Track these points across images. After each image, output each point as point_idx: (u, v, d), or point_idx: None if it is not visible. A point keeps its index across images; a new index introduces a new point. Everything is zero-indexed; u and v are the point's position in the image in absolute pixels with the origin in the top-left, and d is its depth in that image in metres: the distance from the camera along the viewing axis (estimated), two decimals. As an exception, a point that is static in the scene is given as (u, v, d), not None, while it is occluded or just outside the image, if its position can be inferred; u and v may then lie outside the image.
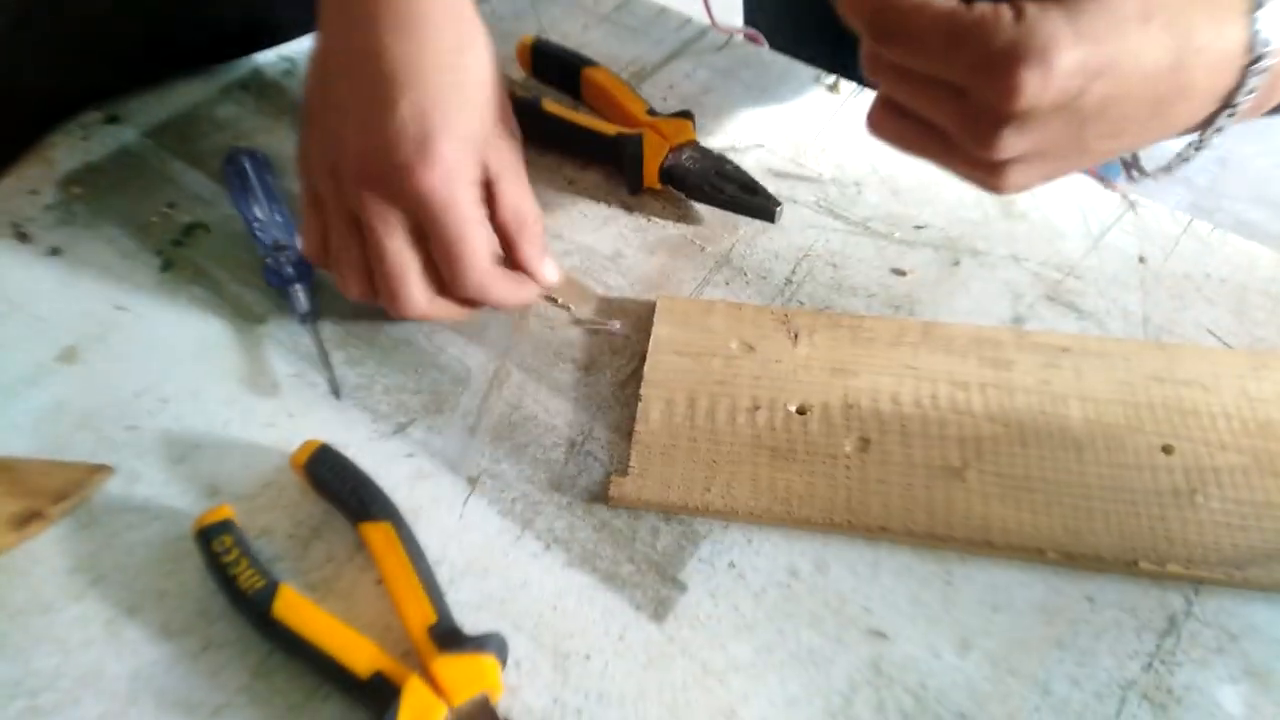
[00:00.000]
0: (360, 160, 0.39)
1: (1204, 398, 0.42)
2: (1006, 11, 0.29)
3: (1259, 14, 0.30)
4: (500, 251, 0.43)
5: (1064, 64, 0.28)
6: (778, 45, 0.61)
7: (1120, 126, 0.31)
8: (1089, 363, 0.43)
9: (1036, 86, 0.28)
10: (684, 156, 0.50)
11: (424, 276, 0.41)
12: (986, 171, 0.33)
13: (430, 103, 0.38)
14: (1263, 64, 0.31)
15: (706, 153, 0.50)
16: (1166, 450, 0.40)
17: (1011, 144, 0.30)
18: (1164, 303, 0.47)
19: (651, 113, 0.52)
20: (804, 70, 0.59)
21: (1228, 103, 0.32)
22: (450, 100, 0.39)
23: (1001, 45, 0.28)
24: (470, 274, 0.40)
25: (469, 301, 0.43)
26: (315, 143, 0.41)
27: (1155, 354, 0.43)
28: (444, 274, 0.41)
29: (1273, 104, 0.34)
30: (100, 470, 0.40)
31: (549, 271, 0.44)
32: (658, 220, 0.51)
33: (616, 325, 0.46)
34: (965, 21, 0.29)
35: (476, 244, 0.40)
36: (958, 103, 0.31)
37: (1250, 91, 0.32)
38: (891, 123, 0.34)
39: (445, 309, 0.42)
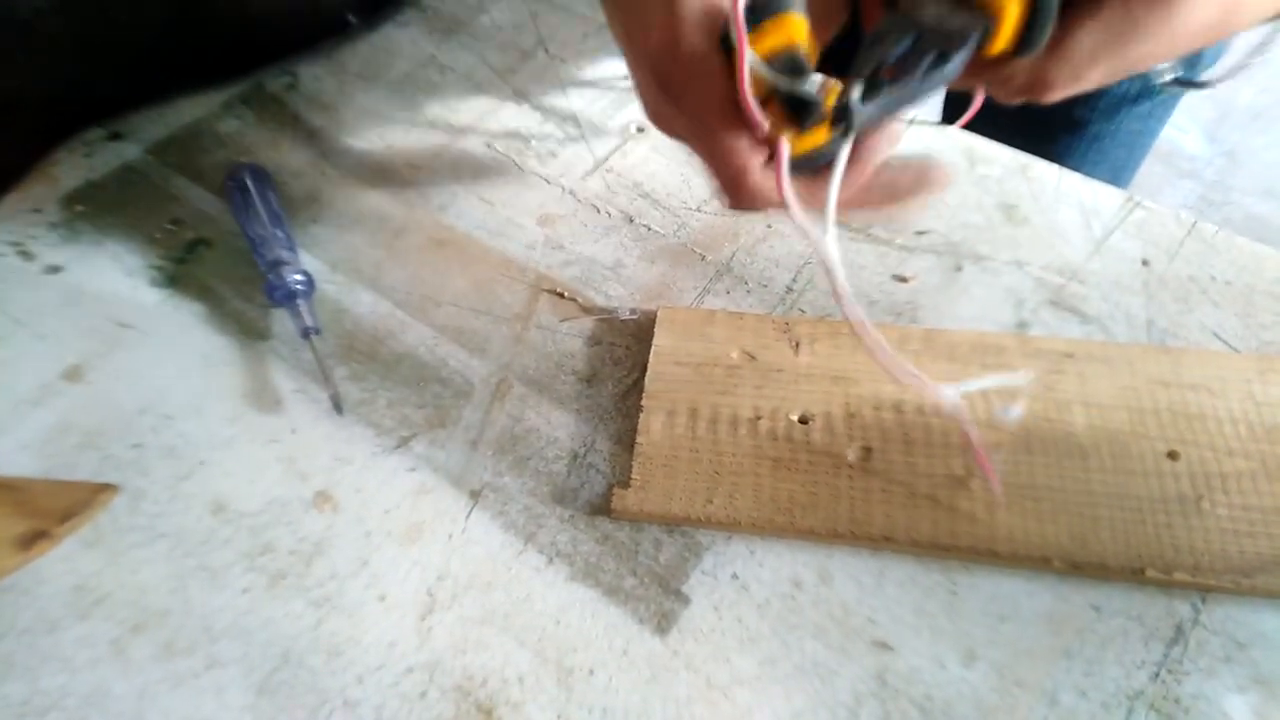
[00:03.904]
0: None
1: (1210, 402, 0.41)
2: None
3: None
4: None
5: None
6: None
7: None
8: (1093, 368, 0.43)
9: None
10: None
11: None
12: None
13: None
14: None
15: None
16: (1172, 456, 0.40)
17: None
18: (1168, 306, 0.47)
19: None
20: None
21: None
22: None
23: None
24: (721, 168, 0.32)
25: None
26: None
27: (1160, 358, 0.43)
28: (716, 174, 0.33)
29: None
30: (105, 489, 0.40)
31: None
32: (658, 229, 0.51)
33: (629, 311, 0.46)
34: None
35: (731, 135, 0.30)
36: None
37: None
38: None
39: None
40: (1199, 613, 0.37)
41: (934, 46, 0.28)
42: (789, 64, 0.30)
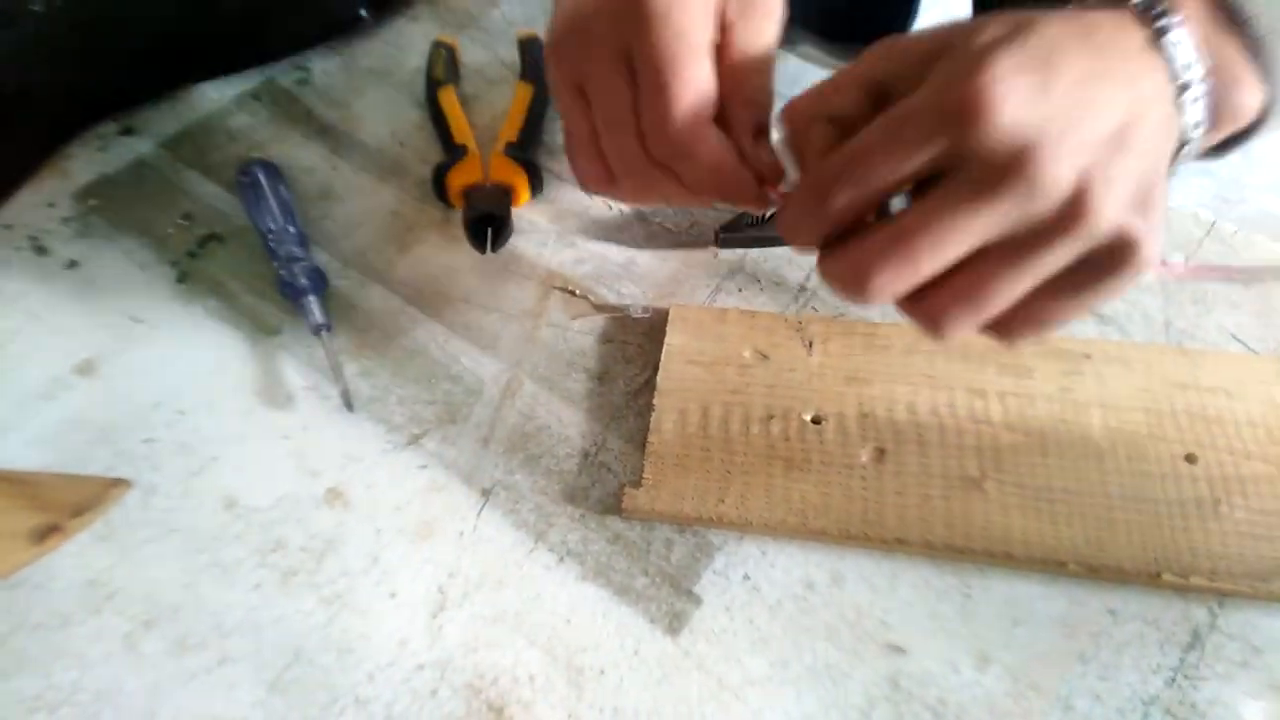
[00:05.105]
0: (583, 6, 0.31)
1: (1228, 405, 0.41)
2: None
3: (1166, 41, 0.27)
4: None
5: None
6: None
7: None
8: (1110, 369, 0.42)
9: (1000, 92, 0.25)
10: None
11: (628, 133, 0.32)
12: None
13: None
14: (1191, 91, 0.28)
15: None
16: (1190, 459, 0.39)
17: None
18: (1186, 307, 0.46)
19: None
20: (811, 70, 0.58)
21: (1181, 139, 0.29)
22: None
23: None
24: (673, 111, 0.30)
25: (665, 170, 0.32)
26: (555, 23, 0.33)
27: (1178, 360, 0.43)
28: (644, 117, 0.31)
29: (1233, 124, 0.31)
30: (118, 484, 0.40)
31: (765, 148, 0.32)
32: (670, 227, 0.51)
33: (641, 309, 0.46)
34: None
35: (690, 74, 0.30)
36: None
37: (1197, 125, 0.29)
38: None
39: (638, 181, 0.33)
40: (1215, 617, 0.37)
41: None
42: None
